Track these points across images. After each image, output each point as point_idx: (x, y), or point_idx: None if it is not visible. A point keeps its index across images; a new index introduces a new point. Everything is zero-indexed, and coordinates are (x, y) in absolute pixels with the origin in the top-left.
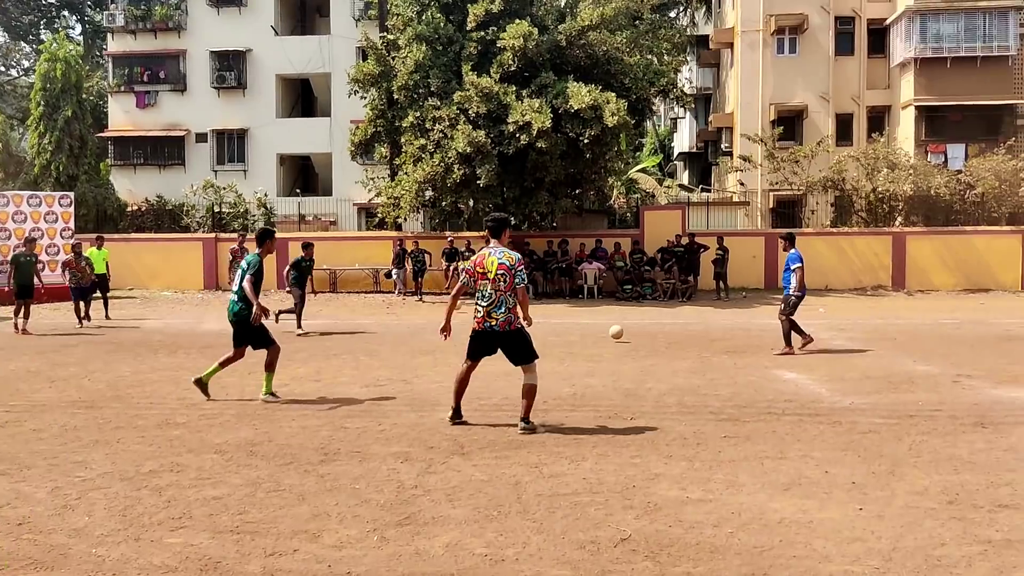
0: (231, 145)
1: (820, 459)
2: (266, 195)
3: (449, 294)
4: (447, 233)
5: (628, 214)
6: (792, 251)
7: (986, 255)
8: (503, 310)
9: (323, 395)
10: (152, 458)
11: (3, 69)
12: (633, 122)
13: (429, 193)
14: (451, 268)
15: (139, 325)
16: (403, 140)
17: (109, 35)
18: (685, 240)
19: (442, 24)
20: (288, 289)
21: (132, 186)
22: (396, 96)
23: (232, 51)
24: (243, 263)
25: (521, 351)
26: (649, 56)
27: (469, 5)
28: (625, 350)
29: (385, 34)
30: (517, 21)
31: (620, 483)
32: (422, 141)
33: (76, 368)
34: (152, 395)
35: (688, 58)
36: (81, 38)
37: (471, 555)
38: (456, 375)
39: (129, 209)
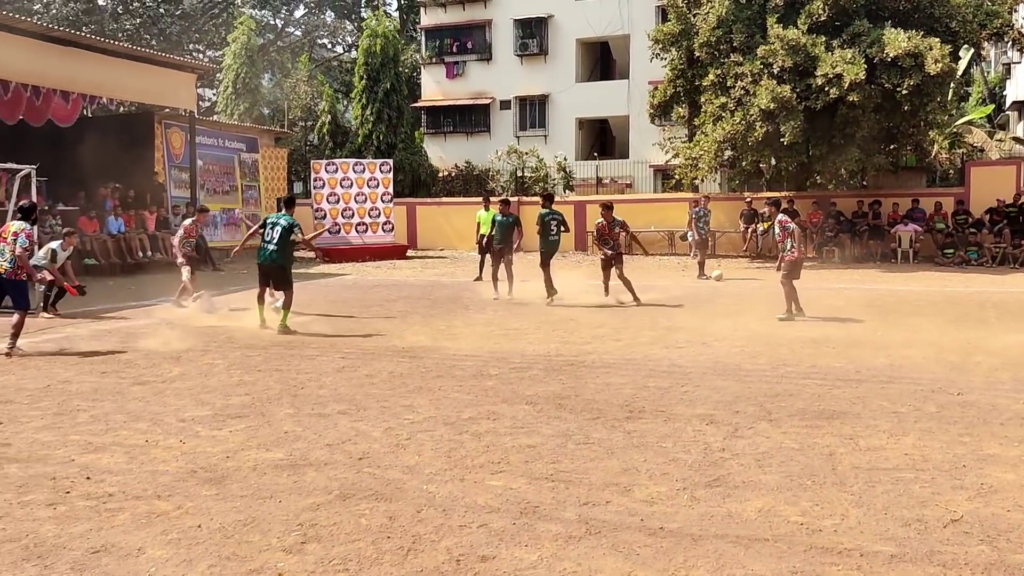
0: (532, 111)
1: None
2: (565, 159)
3: (747, 256)
4: (746, 194)
5: (951, 171)
6: (779, 215)
7: None
8: None
9: (624, 354)
10: (470, 406)
11: (330, 47)
12: (959, 70)
13: (728, 153)
14: (748, 230)
15: (450, 282)
16: (703, 99)
17: (422, 9)
18: (1022, 200)
19: None
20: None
21: (442, 152)
22: (697, 54)
23: (535, 18)
24: None
25: None
26: None
27: None
28: (947, 320)
29: None
30: None
31: (948, 461)
32: (723, 99)
33: (398, 321)
34: (465, 348)
35: None
36: (397, 14)
37: (786, 522)
38: None
39: (440, 175)
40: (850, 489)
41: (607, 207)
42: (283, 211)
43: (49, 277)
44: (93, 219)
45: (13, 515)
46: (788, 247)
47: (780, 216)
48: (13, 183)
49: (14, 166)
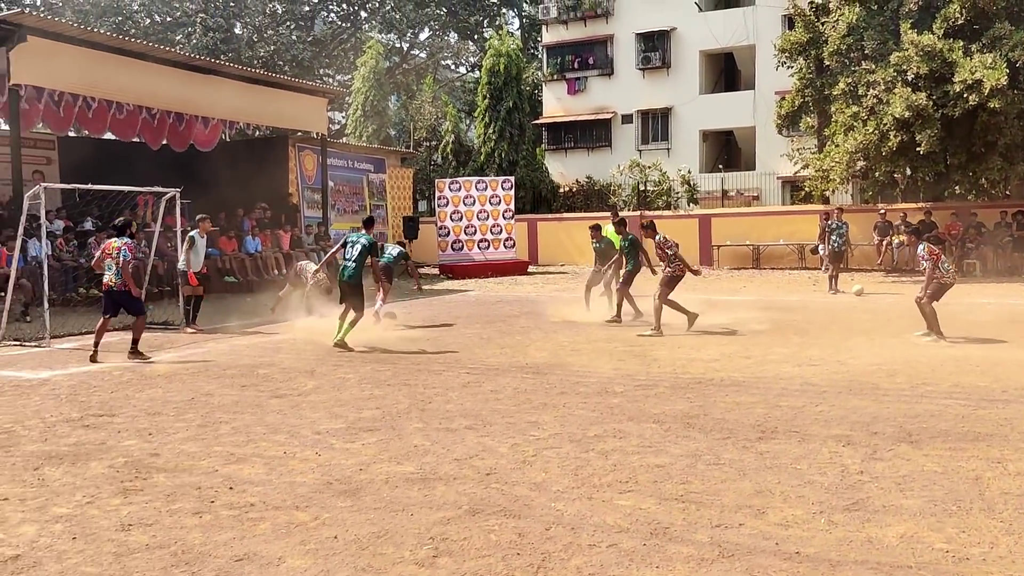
0: (655, 124)
1: None
2: (689, 172)
3: (882, 269)
4: (879, 205)
5: None
6: (919, 245)
7: None
8: None
9: (754, 372)
10: (596, 423)
11: (454, 67)
12: None
13: (861, 163)
14: (883, 243)
15: (571, 297)
16: (833, 109)
17: (543, 27)
18: None
19: None
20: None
21: (563, 168)
22: (826, 62)
23: (657, 31)
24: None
25: None
26: None
27: None
28: None
29: None
30: None
31: None
32: (854, 108)
33: (520, 336)
34: (589, 364)
35: None
36: (518, 32)
37: (930, 549)
38: None
39: (561, 190)
40: (999, 516)
41: (645, 226)
42: (363, 231)
43: (188, 292)
44: (232, 239)
45: (162, 523)
46: (939, 273)
47: (920, 248)
48: (159, 205)
49: (160, 189)
